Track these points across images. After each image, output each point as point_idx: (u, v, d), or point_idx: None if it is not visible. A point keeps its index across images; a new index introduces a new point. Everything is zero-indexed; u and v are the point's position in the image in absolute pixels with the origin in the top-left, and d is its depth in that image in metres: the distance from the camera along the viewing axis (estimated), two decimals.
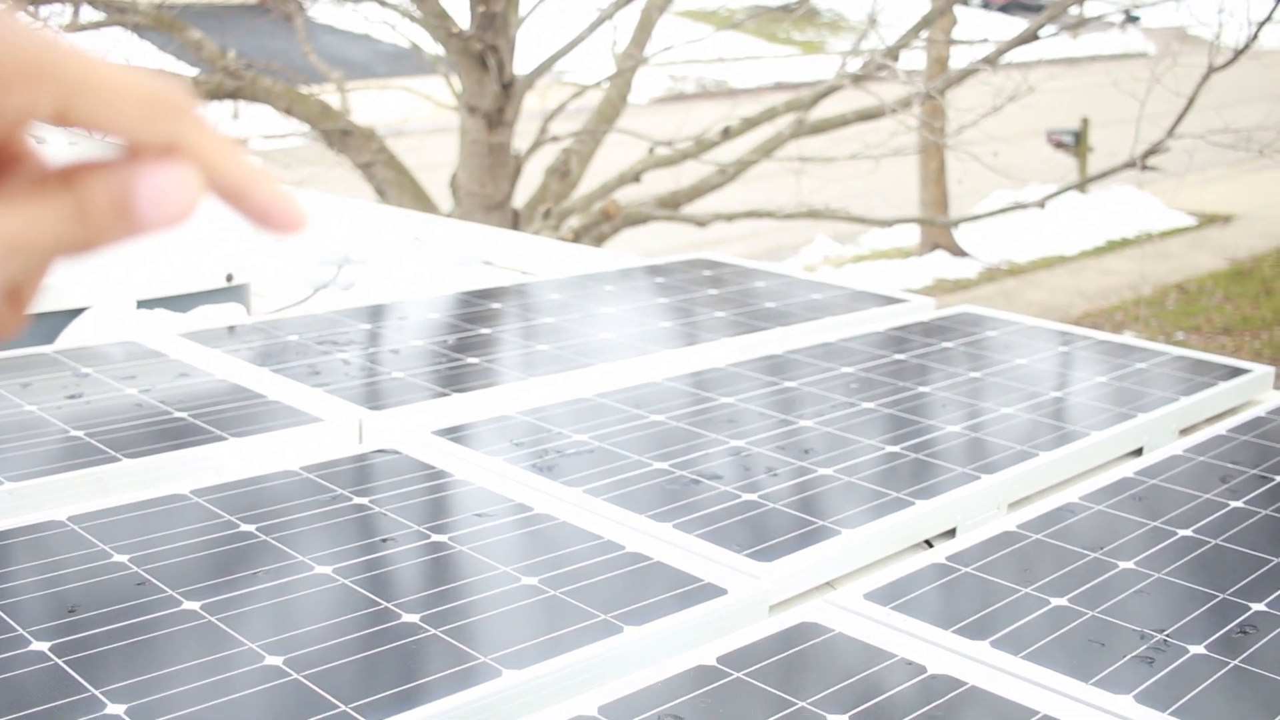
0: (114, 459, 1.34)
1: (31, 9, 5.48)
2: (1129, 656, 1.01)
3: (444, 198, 6.29)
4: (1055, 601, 1.10)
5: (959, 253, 10.46)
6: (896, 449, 1.45)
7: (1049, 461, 1.44)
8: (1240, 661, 1.01)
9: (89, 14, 6.00)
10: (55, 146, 0.44)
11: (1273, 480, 1.40)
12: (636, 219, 6.10)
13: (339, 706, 0.90)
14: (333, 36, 15.71)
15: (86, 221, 0.42)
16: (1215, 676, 0.98)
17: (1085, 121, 12.02)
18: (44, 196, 0.42)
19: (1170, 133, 5.51)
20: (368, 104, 8.43)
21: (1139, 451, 1.57)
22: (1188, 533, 1.25)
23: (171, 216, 0.43)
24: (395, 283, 2.40)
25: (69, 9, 5.84)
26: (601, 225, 5.98)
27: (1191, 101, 5.38)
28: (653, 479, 1.35)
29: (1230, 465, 1.44)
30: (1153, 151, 5.53)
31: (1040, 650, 1.02)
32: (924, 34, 6.48)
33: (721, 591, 1.10)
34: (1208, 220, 11.77)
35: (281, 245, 2.50)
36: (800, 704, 0.93)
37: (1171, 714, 0.93)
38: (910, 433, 1.51)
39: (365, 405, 1.54)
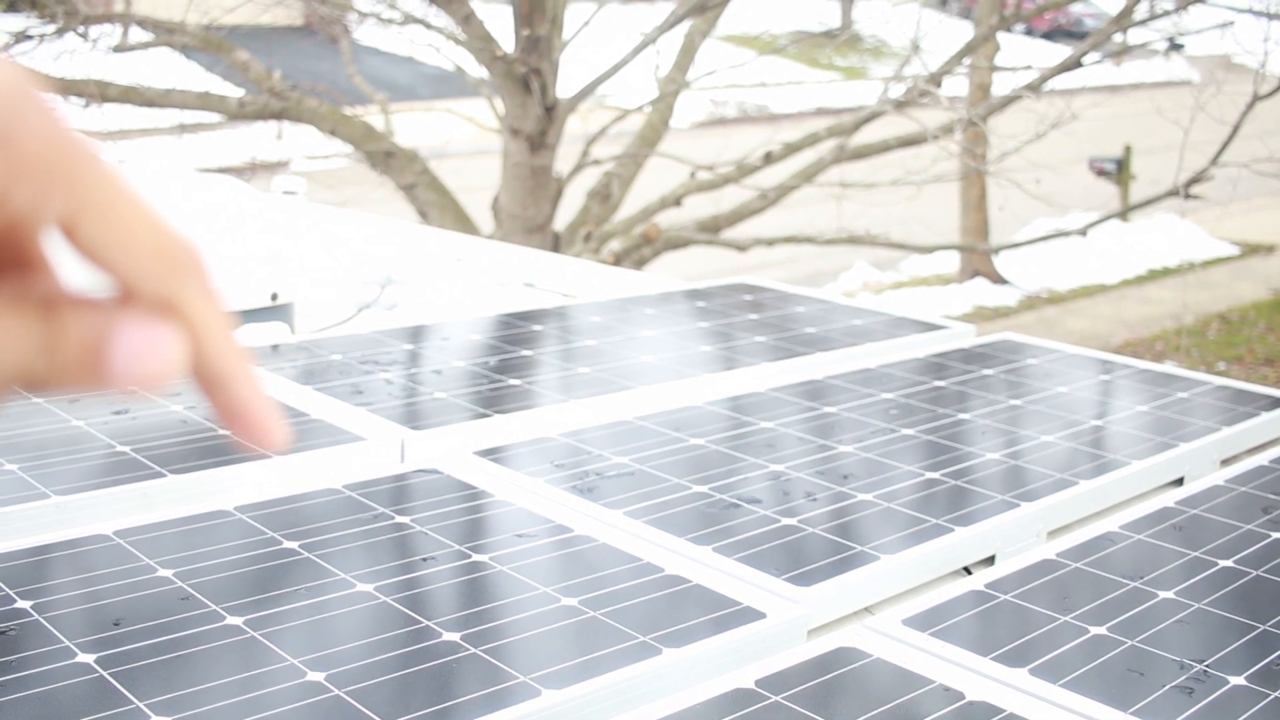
0: (159, 475, 1.35)
1: (82, 30, 5.55)
2: (1168, 686, 1.01)
3: (485, 220, 6.32)
4: (1094, 630, 1.10)
5: (999, 280, 10.42)
6: (936, 475, 1.45)
7: (1089, 490, 1.44)
8: None
9: (138, 34, 6.07)
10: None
11: None
12: (677, 243, 6.12)
13: None
14: (377, 59, 15.84)
15: (52, 358, 0.38)
16: (1256, 708, 0.98)
17: (1128, 149, 11.97)
18: (19, 317, 0.38)
19: (1214, 161, 5.48)
20: (411, 126, 8.48)
21: (1180, 481, 1.57)
22: (1228, 563, 1.25)
23: (141, 380, 0.39)
24: (437, 303, 2.42)
25: (119, 30, 5.91)
26: (642, 249, 5.99)
27: (1236, 130, 5.36)
28: (692, 502, 1.35)
29: (1272, 496, 1.43)
30: (1196, 180, 5.50)
31: (1079, 679, 1.01)
32: (967, 60, 6.48)
33: (760, 615, 1.10)
34: (1251, 250, 11.69)
35: (326, 266, 2.52)
36: None
37: None
38: (950, 459, 1.50)
39: (407, 425, 1.55)
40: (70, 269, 0.40)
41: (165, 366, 0.39)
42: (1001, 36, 7.69)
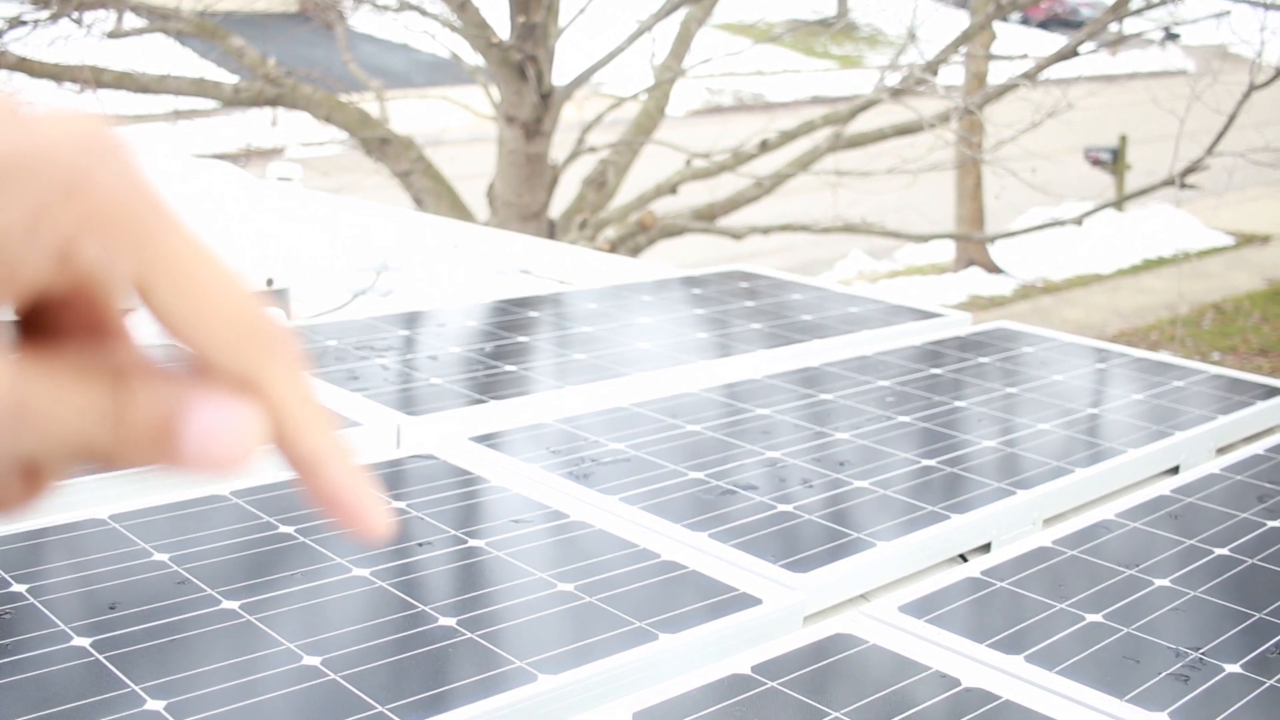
0: None
1: (76, 16, 5.53)
2: (1164, 674, 1.01)
3: (481, 207, 6.31)
4: (1090, 617, 1.10)
5: (994, 269, 10.42)
6: (931, 463, 1.45)
7: (1084, 478, 1.44)
8: (1276, 681, 1.00)
9: (132, 20, 6.05)
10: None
11: None
12: (672, 231, 6.12)
13: (375, 707, 0.91)
14: (372, 45, 15.81)
15: (117, 434, 0.35)
16: (1251, 696, 0.98)
17: (1124, 139, 11.97)
18: (85, 385, 0.34)
19: (1210, 151, 5.49)
20: (406, 113, 8.47)
21: (1175, 469, 1.57)
22: (1224, 551, 1.25)
23: (215, 464, 0.35)
24: (433, 290, 2.42)
25: (113, 16, 5.89)
26: (637, 236, 5.99)
27: (1232, 120, 5.36)
28: (688, 488, 1.35)
29: (1267, 485, 1.44)
30: (1192, 170, 5.51)
31: (1074, 666, 1.02)
32: (963, 49, 6.47)
33: (756, 601, 1.10)
34: (1246, 240, 11.70)
35: (322, 252, 2.51)
36: (834, 714, 0.93)
37: None
38: (945, 447, 1.51)
39: (403, 410, 1.55)
40: (144, 335, 0.37)
41: (240, 449, 0.35)
42: (997, 25, 7.69)
